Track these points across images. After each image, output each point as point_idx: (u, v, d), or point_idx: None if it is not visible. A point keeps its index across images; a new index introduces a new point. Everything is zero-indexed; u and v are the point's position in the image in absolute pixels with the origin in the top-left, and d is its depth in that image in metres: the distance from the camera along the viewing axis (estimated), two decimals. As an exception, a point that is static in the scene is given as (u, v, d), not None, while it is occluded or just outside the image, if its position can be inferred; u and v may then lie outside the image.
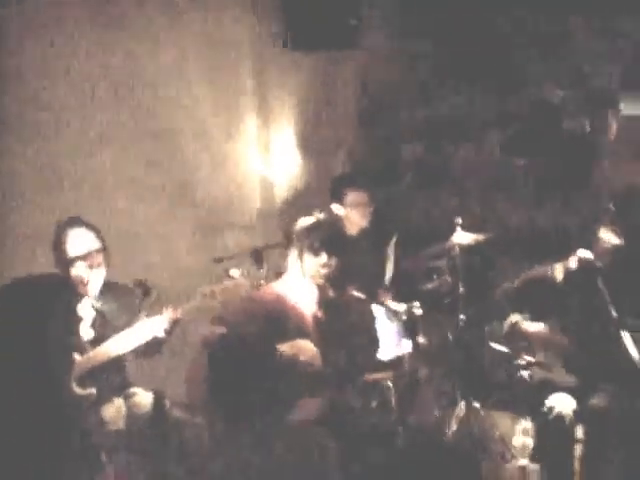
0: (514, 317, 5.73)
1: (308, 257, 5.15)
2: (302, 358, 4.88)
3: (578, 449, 5.45)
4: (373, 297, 5.91)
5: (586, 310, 5.55)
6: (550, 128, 7.67)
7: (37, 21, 6.11)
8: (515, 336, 5.68)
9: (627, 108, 7.59)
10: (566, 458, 5.35)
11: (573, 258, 5.55)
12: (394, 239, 6.56)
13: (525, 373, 5.58)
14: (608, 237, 5.59)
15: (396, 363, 5.73)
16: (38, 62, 6.17)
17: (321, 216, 5.30)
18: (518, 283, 5.75)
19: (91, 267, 5.13)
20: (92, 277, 5.15)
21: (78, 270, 5.10)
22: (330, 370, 5.02)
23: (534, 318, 5.66)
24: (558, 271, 5.59)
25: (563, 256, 5.62)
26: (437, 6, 7.82)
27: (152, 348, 5.20)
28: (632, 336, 5.23)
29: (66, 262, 5.08)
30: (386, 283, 6.47)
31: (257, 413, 4.80)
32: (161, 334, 5.05)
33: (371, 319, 5.72)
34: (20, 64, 6.10)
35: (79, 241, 5.09)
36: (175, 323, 5.07)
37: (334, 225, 5.44)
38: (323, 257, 5.13)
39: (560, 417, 5.26)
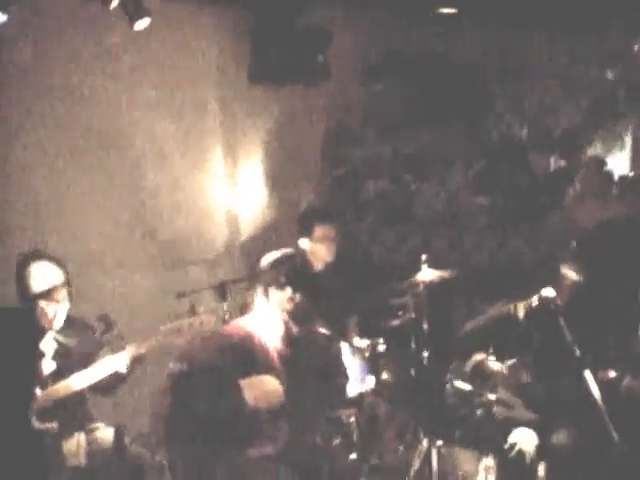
0: (478, 355, 5.77)
1: (273, 292, 5.17)
2: (265, 395, 4.89)
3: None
4: (338, 333, 5.89)
5: (548, 348, 5.60)
6: (515, 166, 7.73)
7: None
8: (479, 374, 5.71)
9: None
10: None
11: (536, 297, 5.60)
12: None
13: (487, 411, 5.62)
14: (570, 274, 5.66)
15: (358, 400, 5.71)
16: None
17: (287, 251, 5.33)
18: (481, 321, 5.78)
19: (56, 302, 5.09)
20: (56, 312, 5.12)
21: (42, 305, 5.06)
22: (294, 407, 5.02)
23: (497, 356, 5.71)
24: (520, 310, 5.64)
25: (526, 293, 5.67)
26: (404, 45, 7.89)
27: (112, 384, 5.17)
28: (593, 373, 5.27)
29: (30, 298, 5.03)
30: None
31: (218, 449, 4.79)
32: (122, 369, 5.02)
33: (337, 356, 5.71)
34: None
35: (43, 276, 5.03)
36: (137, 359, 5.05)
37: (299, 260, 5.47)
38: (288, 292, 5.15)
39: (521, 454, 5.30)
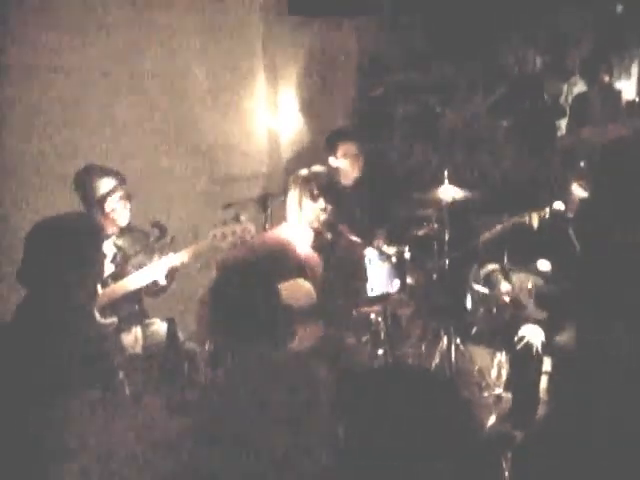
0: (491, 266, 6.03)
1: (307, 203, 5.45)
2: (299, 296, 5.07)
3: (545, 380, 5.77)
4: (368, 241, 6.13)
5: (557, 255, 5.85)
6: (531, 93, 7.85)
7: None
8: (491, 281, 6.01)
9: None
10: (534, 387, 5.64)
11: (548, 209, 5.85)
12: None
13: (501, 311, 5.90)
14: (578, 191, 5.88)
15: (384, 300, 5.95)
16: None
17: (318, 167, 5.59)
18: (499, 230, 6.02)
19: (122, 199, 5.38)
20: (122, 211, 5.42)
21: (111, 204, 5.34)
22: (325, 306, 5.23)
23: (511, 262, 5.98)
24: (534, 219, 5.89)
25: (539, 208, 5.91)
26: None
27: (158, 289, 5.45)
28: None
29: (97, 199, 5.31)
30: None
31: (256, 345, 5.01)
32: (163, 280, 5.30)
33: (362, 259, 5.85)
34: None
35: (104, 180, 5.33)
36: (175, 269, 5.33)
37: (330, 174, 5.72)
38: (321, 203, 5.42)
39: (529, 346, 5.55)
